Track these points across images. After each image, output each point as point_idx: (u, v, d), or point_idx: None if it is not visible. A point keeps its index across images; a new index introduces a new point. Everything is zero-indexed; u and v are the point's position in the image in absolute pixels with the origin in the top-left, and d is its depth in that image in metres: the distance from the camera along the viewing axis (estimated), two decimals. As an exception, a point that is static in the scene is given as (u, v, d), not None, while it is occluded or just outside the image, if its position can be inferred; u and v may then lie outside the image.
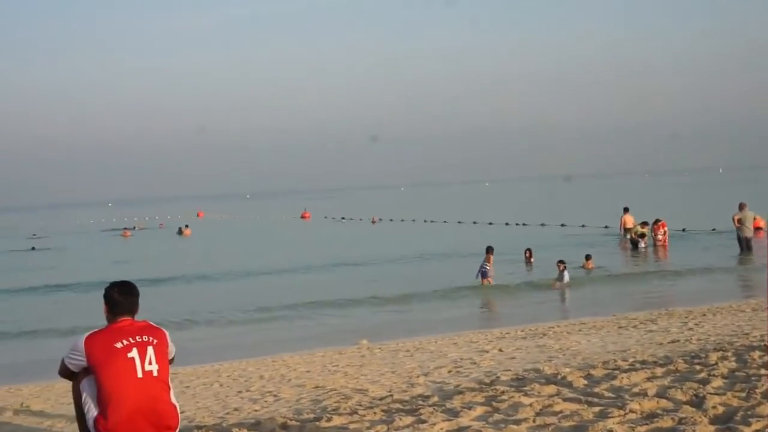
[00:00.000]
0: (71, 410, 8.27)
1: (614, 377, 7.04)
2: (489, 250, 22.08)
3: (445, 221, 52.41)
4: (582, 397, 6.26)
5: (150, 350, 5.45)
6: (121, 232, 64.42)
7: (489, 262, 21.73)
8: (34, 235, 62.50)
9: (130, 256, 41.80)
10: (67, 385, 9.59)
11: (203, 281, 27.80)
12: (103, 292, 5.66)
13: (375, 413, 6.40)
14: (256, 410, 7.59)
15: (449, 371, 9.09)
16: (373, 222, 60.38)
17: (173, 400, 5.59)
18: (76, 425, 7.18)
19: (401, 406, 6.70)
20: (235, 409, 7.76)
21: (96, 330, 5.53)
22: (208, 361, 12.80)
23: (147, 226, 73.47)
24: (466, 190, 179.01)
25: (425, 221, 55.04)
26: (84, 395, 5.51)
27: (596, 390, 6.56)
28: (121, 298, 5.61)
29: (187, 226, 59.82)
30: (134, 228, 69.09)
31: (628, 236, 30.88)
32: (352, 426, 5.96)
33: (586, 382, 7.02)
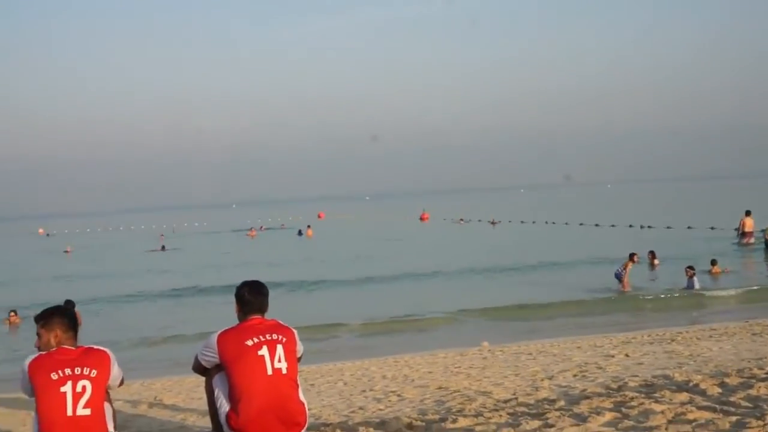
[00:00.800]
0: (201, 404, 8.56)
1: (750, 386, 6.74)
2: (631, 256, 21.47)
3: (566, 223, 51.59)
4: (717, 406, 6.02)
5: (279, 348, 5.56)
6: (247, 231, 66.34)
7: (626, 268, 21.18)
8: (162, 235, 64.74)
9: (256, 257, 42.78)
10: (197, 380, 9.91)
11: (326, 284, 28.02)
12: (234, 291, 5.84)
13: (500, 416, 6.35)
14: (380, 409, 7.64)
15: (574, 375, 8.92)
16: (493, 224, 59.97)
17: (301, 397, 5.69)
18: (207, 419, 7.41)
19: (527, 410, 6.62)
20: (360, 408, 7.83)
21: (228, 328, 5.69)
22: (331, 360, 12.98)
23: (270, 227, 75.35)
24: (585, 191, 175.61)
25: (546, 223, 54.32)
26: (216, 391, 5.68)
27: (731, 399, 6.30)
28: (251, 297, 5.75)
29: (309, 226, 60.91)
30: (260, 228, 70.94)
31: (746, 239, 30.01)
32: (477, 428, 5.92)
33: (720, 390, 6.75)
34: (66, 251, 53.21)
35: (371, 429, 6.21)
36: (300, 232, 59.78)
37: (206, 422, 7.35)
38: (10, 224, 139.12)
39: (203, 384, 6.87)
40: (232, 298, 5.79)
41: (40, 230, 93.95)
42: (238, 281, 5.93)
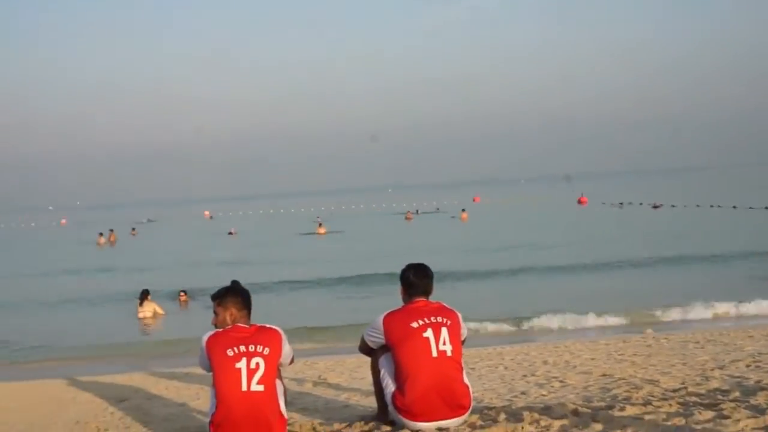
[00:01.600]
0: (364, 384, 8.73)
1: None
2: None
3: (734, 206, 49.27)
4: None
5: (444, 331, 5.59)
6: (404, 215, 67.08)
7: None
8: (318, 217, 66.04)
9: (414, 241, 42.97)
10: (358, 360, 10.14)
11: (480, 274, 27.56)
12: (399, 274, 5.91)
13: (670, 405, 6.14)
14: (543, 395, 7.55)
15: (747, 365, 8.52)
16: (655, 207, 57.98)
17: (466, 380, 5.71)
18: (370, 399, 7.55)
19: (698, 400, 6.37)
20: (522, 393, 7.76)
21: (394, 309, 5.77)
22: (490, 344, 12.94)
23: (426, 210, 75.85)
24: (747, 172, 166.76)
25: (711, 206, 52.06)
26: (382, 371, 5.78)
27: None
28: (416, 279, 5.81)
29: (463, 210, 60.88)
30: (416, 212, 71.55)
31: None
32: (647, 417, 5.75)
33: None
34: (230, 233, 55.34)
35: (536, 414, 6.14)
36: (457, 215, 59.87)
37: (369, 402, 7.49)
38: (179, 208, 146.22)
39: (364, 364, 7.03)
40: (390, 287, 5.87)
41: (206, 213, 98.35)
42: (398, 267, 6.01)
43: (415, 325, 5.58)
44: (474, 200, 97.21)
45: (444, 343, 5.54)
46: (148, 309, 19.51)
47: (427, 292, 5.79)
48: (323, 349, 13.78)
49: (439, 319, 5.62)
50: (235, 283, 5.69)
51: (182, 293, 21.70)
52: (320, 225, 52.54)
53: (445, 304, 5.81)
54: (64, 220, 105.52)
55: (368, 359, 6.06)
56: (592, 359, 10.00)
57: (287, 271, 29.21)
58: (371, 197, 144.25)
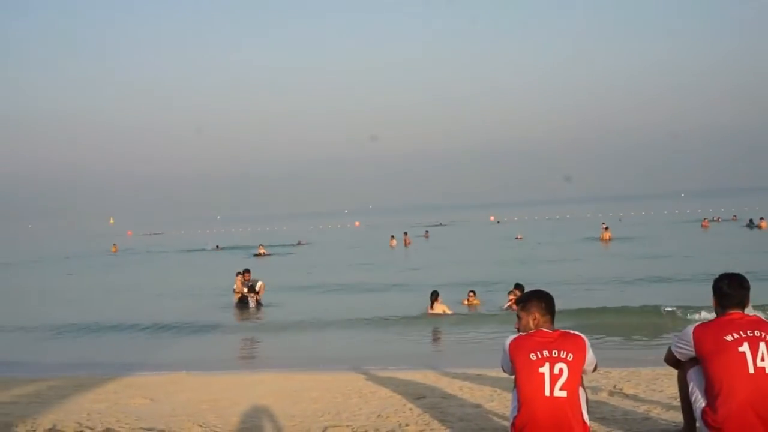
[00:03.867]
0: (663, 397, 8.38)
1: None
2: None
3: None
4: None
5: (762, 345, 5.22)
6: (700, 222, 63.70)
7: None
8: (603, 223, 64.22)
9: (707, 249, 40.78)
10: (653, 372, 9.76)
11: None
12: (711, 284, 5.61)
13: None
14: None
15: None
16: None
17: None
18: (671, 412, 7.24)
19: None
20: None
21: (706, 321, 5.50)
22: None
23: (724, 218, 71.47)
24: None
25: None
26: (691, 385, 5.51)
27: None
28: (729, 290, 5.48)
29: (762, 218, 56.62)
30: (715, 219, 67.54)
31: None
32: None
33: None
34: (517, 237, 55.49)
35: None
36: (751, 223, 55.75)
37: (670, 416, 7.18)
38: (465, 212, 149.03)
39: (663, 376, 6.73)
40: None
41: (491, 217, 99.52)
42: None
43: (729, 338, 5.27)
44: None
45: (762, 359, 5.17)
46: (438, 310, 20.05)
47: (742, 304, 5.45)
48: (618, 359, 13.38)
49: (757, 333, 5.26)
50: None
51: (471, 294, 22.09)
52: (605, 230, 51.02)
53: (762, 317, 5.43)
54: (357, 223, 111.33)
55: (669, 371, 5.82)
56: None
57: (573, 274, 28.80)
58: (661, 204, 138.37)
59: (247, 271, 23.76)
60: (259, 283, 23.13)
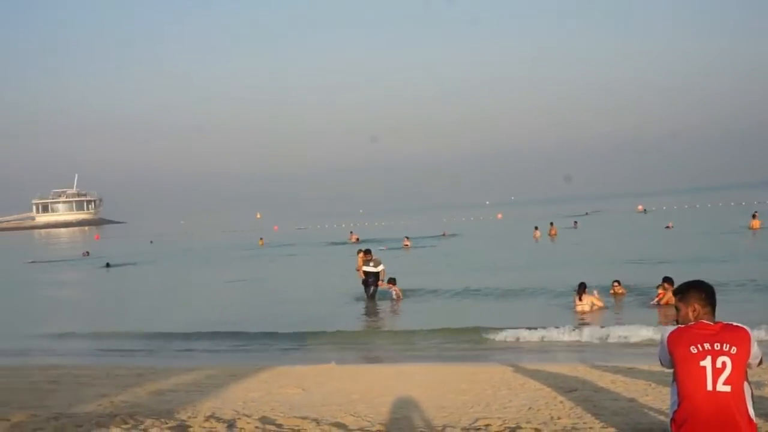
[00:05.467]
0: None
1: None
2: None
3: None
4: None
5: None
6: None
7: None
8: (756, 212, 61.14)
9: None
10: None
11: None
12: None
13: None
14: None
15: None
16: None
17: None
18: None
19: None
20: None
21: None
22: None
23: None
24: None
25: None
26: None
27: None
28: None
29: None
30: None
31: None
32: None
33: None
34: (667, 227, 53.62)
35: None
36: None
37: None
38: (608, 202, 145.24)
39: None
40: None
41: (639, 207, 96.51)
42: None
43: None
44: None
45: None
46: (587, 302, 19.62)
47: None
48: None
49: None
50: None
51: (616, 283, 21.52)
52: (754, 218, 48.46)
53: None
54: (500, 215, 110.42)
55: None
56: None
57: (723, 267, 27.53)
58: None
59: (368, 251, 24.28)
60: (381, 267, 23.22)
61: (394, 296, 23.11)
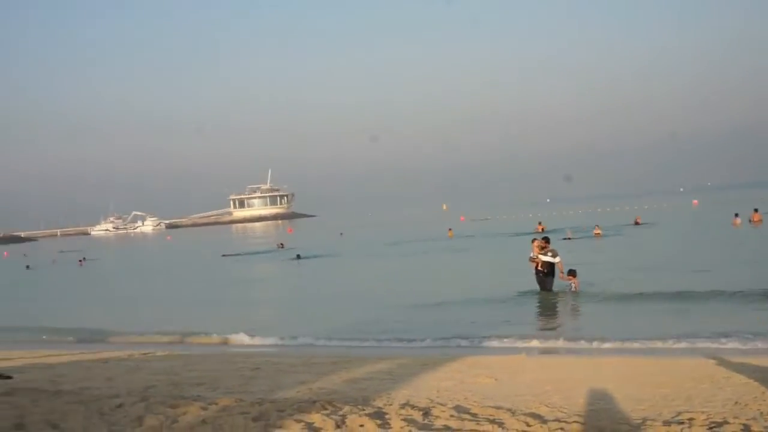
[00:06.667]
0: None
1: None
2: None
3: None
4: None
5: None
6: None
7: None
8: None
9: None
10: None
11: None
12: None
13: None
14: None
15: None
16: None
17: None
18: None
19: None
20: None
21: None
22: None
23: None
24: None
25: None
26: None
27: None
28: None
29: None
30: None
31: None
32: None
33: None
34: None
35: None
36: None
37: None
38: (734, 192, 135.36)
39: None
40: None
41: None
42: None
43: None
44: None
45: None
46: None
47: None
48: None
49: None
50: None
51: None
52: None
53: None
54: (695, 202, 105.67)
55: None
56: None
57: None
58: None
59: (545, 239, 22.93)
60: (558, 258, 22.09)
61: (573, 289, 22.04)
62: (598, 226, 50.53)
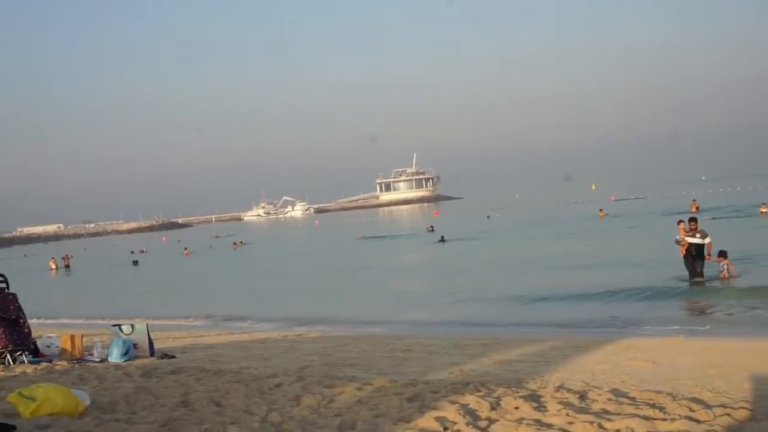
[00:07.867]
0: None
1: None
2: None
3: None
4: None
5: None
6: None
7: None
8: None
9: None
10: None
11: None
12: None
13: None
14: None
15: None
16: None
17: None
18: None
19: None
20: None
21: None
22: None
23: None
24: None
25: None
26: None
27: None
28: None
29: None
30: None
31: None
32: None
33: None
34: None
35: None
36: None
37: None
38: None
39: None
40: None
41: None
42: None
43: None
44: None
45: None
46: None
47: None
48: None
49: None
50: None
51: None
52: None
53: None
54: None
55: None
56: None
57: None
58: None
59: (693, 219, 21.61)
60: (708, 239, 20.79)
61: (725, 271, 20.76)
62: (764, 204, 47.86)
